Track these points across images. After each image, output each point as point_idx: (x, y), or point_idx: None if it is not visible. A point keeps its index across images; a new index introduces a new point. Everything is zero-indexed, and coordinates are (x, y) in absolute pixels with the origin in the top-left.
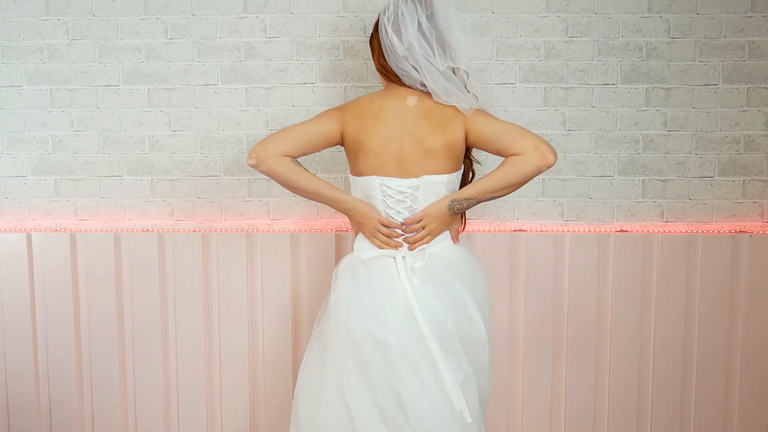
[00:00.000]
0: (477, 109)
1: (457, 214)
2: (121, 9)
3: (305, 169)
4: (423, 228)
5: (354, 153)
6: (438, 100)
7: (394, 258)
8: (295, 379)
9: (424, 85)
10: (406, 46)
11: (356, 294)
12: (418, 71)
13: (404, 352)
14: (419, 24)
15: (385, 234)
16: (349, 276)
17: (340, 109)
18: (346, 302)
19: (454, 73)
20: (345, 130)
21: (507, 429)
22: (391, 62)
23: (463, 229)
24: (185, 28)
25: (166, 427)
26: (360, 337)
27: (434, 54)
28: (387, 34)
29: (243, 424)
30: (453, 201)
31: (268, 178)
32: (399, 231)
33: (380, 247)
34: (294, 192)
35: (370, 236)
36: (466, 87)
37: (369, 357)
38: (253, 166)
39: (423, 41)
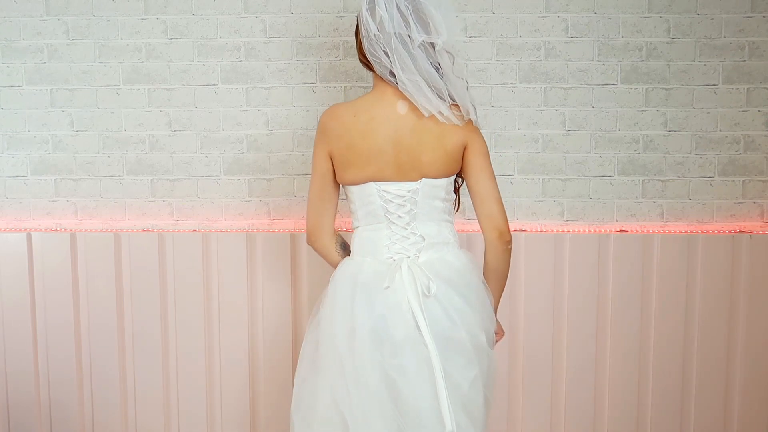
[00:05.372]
0: (477, 137)
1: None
2: (121, 9)
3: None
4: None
5: (345, 168)
6: (406, 93)
7: (400, 267)
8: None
9: (394, 75)
10: (377, 24)
11: (355, 303)
12: (388, 56)
13: (404, 363)
14: (396, 3)
15: None
16: (349, 283)
17: (321, 134)
18: (343, 310)
19: (439, 68)
20: (332, 153)
21: (507, 429)
22: (366, 47)
23: (458, 209)
24: (185, 28)
25: (166, 426)
26: (358, 345)
27: (411, 30)
28: (363, 16)
29: (243, 424)
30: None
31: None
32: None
33: None
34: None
35: None
36: (453, 72)
37: (365, 367)
38: (313, 246)
39: (398, 17)
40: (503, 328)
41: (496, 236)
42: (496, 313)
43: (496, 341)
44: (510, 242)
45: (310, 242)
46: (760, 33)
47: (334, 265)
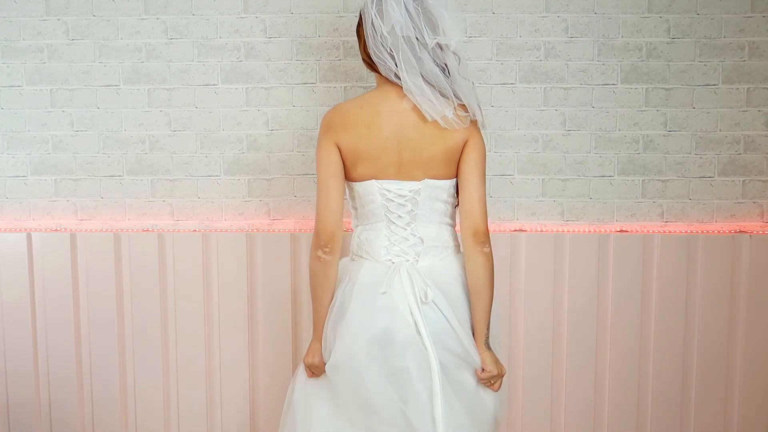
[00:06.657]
0: (478, 136)
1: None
2: (121, 9)
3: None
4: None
5: (351, 162)
6: (410, 96)
7: (398, 271)
8: None
9: (398, 77)
10: (388, 28)
11: (353, 305)
12: (393, 59)
13: (403, 366)
14: (405, 6)
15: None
16: (347, 285)
17: (327, 128)
18: (340, 313)
19: (445, 69)
20: (340, 146)
21: (507, 429)
22: (371, 48)
23: None
24: (185, 28)
25: (166, 427)
26: (356, 348)
27: (421, 33)
28: (370, 16)
29: (243, 424)
30: (486, 340)
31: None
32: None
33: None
34: (313, 291)
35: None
36: (459, 73)
37: (364, 369)
38: (324, 256)
39: (408, 20)
40: (501, 361)
41: (471, 234)
42: (486, 340)
43: (493, 381)
44: (485, 244)
45: (328, 251)
46: (760, 33)
47: (326, 293)
